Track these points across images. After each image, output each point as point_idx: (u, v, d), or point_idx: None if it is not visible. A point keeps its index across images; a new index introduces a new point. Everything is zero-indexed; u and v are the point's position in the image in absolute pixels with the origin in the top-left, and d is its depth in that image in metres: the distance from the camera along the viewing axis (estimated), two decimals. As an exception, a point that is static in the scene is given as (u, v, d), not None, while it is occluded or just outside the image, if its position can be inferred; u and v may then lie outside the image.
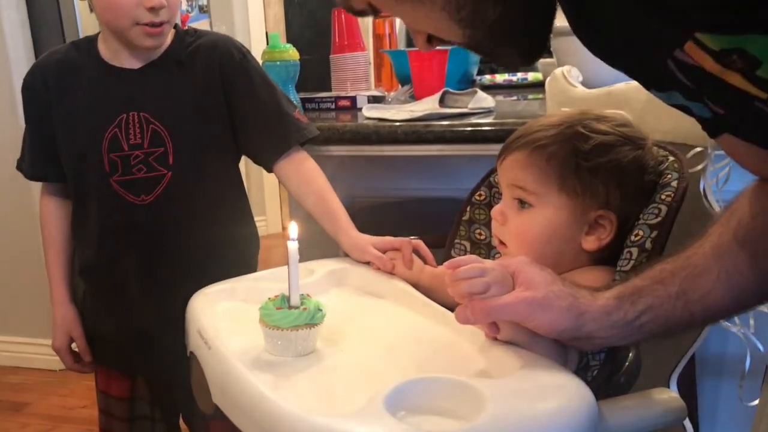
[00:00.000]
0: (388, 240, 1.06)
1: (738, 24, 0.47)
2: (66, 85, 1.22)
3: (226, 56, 1.23)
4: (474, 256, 0.75)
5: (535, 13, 0.64)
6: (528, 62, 0.71)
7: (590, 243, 0.83)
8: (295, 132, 1.24)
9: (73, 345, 1.31)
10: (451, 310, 0.74)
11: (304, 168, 1.24)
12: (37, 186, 1.32)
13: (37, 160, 1.27)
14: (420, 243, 1.05)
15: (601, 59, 0.65)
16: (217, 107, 1.22)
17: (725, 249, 0.68)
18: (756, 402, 0.85)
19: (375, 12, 0.68)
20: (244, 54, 1.25)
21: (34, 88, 1.24)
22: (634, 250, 0.80)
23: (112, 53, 1.21)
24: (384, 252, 1.04)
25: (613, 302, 0.70)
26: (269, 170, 1.27)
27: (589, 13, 0.60)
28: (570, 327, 0.69)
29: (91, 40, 1.25)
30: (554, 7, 0.66)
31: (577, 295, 0.70)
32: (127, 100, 1.19)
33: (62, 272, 1.30)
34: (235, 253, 1.28)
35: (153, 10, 1.12)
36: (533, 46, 0.67)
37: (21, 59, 2.40)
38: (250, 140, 1.25)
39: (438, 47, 0.70)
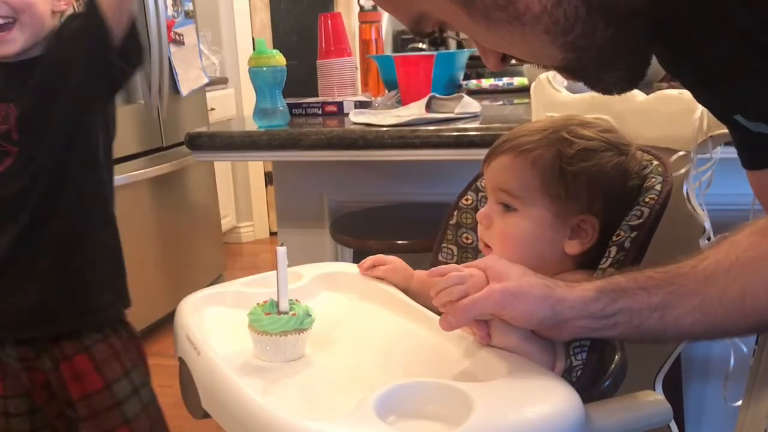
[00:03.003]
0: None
1: None
2: None
3: None
4: (453, 265, 0.76)
5: (638, 32, 0.62)
6: (632, 85, 0.66)
7: (573, 247, 0.84)
8: None
9: None
10: (440, 315, 0.75)
11: None
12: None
13: None
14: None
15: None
16: None
17: (717, 278, 0.68)
18: (740, 402, 0.86)
19: (442, 32, 0.65)
20: None
21: None
22: (613, 249, 0.81)
23: None
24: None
25: (592, 293, 0.70)
26: None
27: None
28: (547, 316, 0.70)
29: None
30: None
31: (552, 285, 0.71)
32: None
33: None
34: None
35: None
36: (639, 67, 0.65)
37: None
38: None
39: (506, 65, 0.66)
